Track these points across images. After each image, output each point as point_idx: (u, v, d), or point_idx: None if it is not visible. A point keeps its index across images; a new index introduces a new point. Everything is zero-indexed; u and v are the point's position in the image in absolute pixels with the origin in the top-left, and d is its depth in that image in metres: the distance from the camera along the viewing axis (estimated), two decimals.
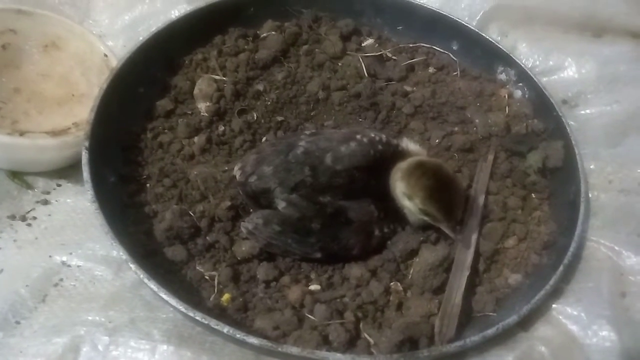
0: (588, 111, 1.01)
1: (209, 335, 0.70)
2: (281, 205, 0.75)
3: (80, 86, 0.93)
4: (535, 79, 0.98)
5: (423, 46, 1.07)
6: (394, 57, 1.04)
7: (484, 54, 1.04)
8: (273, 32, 1.01)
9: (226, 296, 0.72)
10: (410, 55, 1.05)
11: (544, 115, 0.96)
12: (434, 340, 0.71)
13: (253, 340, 0.63)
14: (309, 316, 0.71)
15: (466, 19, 1.08)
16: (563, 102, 1.03)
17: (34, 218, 0.82)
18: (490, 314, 0.75)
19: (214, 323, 0.63)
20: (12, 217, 0.81)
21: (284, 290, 0.74)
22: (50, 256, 0.77)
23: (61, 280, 0.75)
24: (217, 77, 0.95)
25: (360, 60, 1.00)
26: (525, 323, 0.74)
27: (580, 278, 0.79)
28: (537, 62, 1.07)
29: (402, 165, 0.77)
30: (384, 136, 0.81)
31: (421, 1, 1.07)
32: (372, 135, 0.80)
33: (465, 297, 0.74)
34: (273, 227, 0.74)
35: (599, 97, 1.02)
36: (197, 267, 0.75)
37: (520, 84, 1.01)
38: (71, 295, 0.73)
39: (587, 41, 1.09)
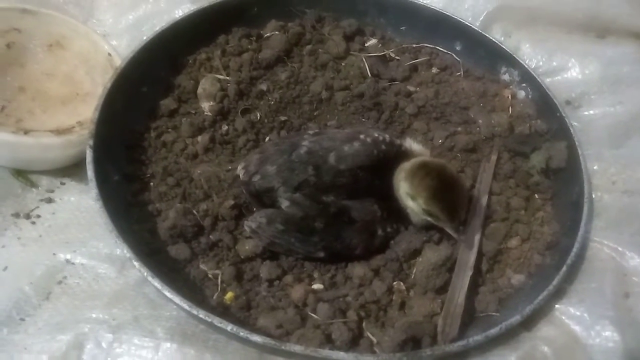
0: (591, 112, 1.01)
1: (212, 333, 0.70)
2: (284, 204, 0.75)
3: (84, 85, 0.93)
4: (538, 79, 0.98)
5: (426, 46, 1.07)
6: (397, 58, 1.04)
7: (488, 55, 1.04)
8: (276, 32, 1.02)
9: (229, 294, 0.72)
10: (414, 56, 1.05)
11: (548, 116, 0.96)
12: (436, 340, 0.71)
13: (256, 338, 0.63)
14: (312, 315, 0.71)
15: (469, 19, 1.08)
16: (566, 102, 1.03)
17: (38, 216, 0.82)
18: (493, 314, 0.75)
19: (217, 321, 0.64)
20: (17, 215, 0.81)
21: (287, 289, 0.75)
22: (54, 254, 0.77)
23: (65, 278, 0.75)
24: (220, 77, 0.95)
25: (364, 60, 1.00)
26: (528, 323, 0.74)
27: (584, 278, 0.79)
28: (541, 63, 1.07)
29: (406, 166, 0.77)
30: (387, 136, 0.81)
31: (425, 1, 1.08)
32: (376, 135, 0.80)
33: (468, 297, 0.74)
34: (276, 226, 0.74)
35: (602, 98, 1.02)
36: (201, 266, 0.75)
37: (524, 85, 1.01)
38: (75, 292, 0.73)
39: (591, 42, 1.09)
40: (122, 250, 0.69)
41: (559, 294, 0.77)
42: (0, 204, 0.81)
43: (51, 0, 1.04)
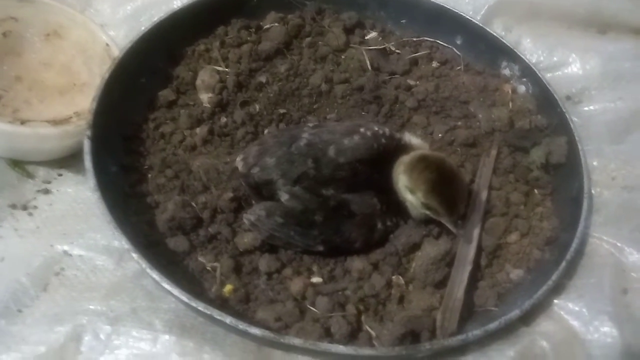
0: (592, 107, 1.01)
1: (211, 325, 0.70)
2: (284, 197, 0.75)
3: (81, 75, 0.92)
4: (539, 74, 0.98)
5: (427, 40, 1.06)
6: (397, 51, 1.04)
7: (488, 49, 1.03)
8: (276, 24, 1.01)
9: (228, 287, 0.72)
10: (414, 49, 1.05)
11: (548, 111, 0.96)
12: (435, 334, 0.71)
13: (256, 331, 0.63)
14: (311, 308, 0.71)
15: (470, 13, 1.08)
16: (567, 98, 1.02)
17: (35, 207, 0.81)
18: (492, 308, 0.75)
19: (216, 313, 0.63)
20: (13, 206, 0.81)
21: (285, 282, 0.74)
22: (51, 245, 0.76)
23: (62, 269, 0.74)
24: (219, 68, 0.94)
25: (364, 53, 1.00)
26: (527, 318, 0.74)
27: (583, 274, 0.79)
28: (542, 58, 1.07)
29: (405, 159, 0.76)
30: (387, 130, 0.81)
31: None
32: (376, 128, 0.80)
33: (467, 292, 0.74)
34: (275, 219, 0.74)
35: (602, 94, 1.02)
36: (199, 258, 0.75)
37: (524, 80, 1.01)
38: (72, 284, 0.73)
39: (592, 37, 1.09)
40: (120, 242, 0.69)
41: (558, 289, 0.77)
42: None
43: None
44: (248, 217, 0.76)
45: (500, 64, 1.03)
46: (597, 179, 0.91)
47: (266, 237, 0.75)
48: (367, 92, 0.95)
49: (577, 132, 0.90)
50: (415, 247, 0.78)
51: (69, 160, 0.86)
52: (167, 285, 0.65)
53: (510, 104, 0.98)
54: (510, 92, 1.00)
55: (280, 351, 0.70)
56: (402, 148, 0.79)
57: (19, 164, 0.84)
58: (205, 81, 0.92)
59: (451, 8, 1.05)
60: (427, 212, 0.76)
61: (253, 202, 0.79)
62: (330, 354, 0.65)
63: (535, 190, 0.89)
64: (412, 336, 0.69)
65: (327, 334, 0.69)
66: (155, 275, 0.66)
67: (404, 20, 1.08)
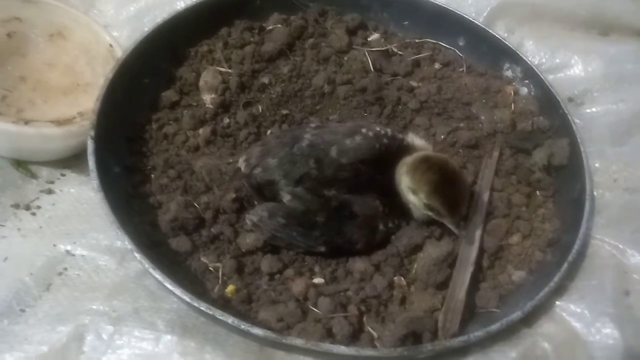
0: (594, 109, 1.01)
1: (213, 325, 0.70)
2: (286, 198, 0.75)
3: (85, 76, 0.93)
4: (541, 76, 0.98)
5: (429, 42, 1.06)
6: (400, 52, 1.04)
7: (491, 51, 1.03)
8: (279, 25, 1.01)
9: (231, 287, 0.72)
10: (417, 51, 1.05)
11: (550, 113, 0.96)
12: (437, 335, 0.71)
13: (258, 331, 0.63)
14: (313, 309, 0.71)
15: (473, 15, 1.08)
16: (569, 100, 1.02)
17: (38, 207, 0.81)
18: (494, 310, 0.75)
19: (218, 314, 0.63)
20: (17, 206, 0.81)
21: (287, 282, 0.74)
22: (54, 245, 0.77)
23: (65, 269, 0.75)
24: (222, 69, 0.94)
25: (366, 54, 1.00)
26: (529, 319, 0.74)
27: (584, 276, 0.79)
28: (544, 60, 1.07)
29: (408, 160, 0.76)
30: (389, 130, 0.81)
31: None
32: (378, 129, 0.80)
33: (469, 293, 0.74)
34: (278, 220, 0.74)
35: (605, 96, 1.01)
36: (202, 259, 0.75)
37: (527, 81, 1.01)
38: (75, 284, 0.73)
39: (594, 39, 1.09)
40: (123, 242, 0.69)
41: (559, 290, 0.77)
42: (0, 194, 0.81)
43: None
44: (250, 217, 0.76)
45: (502, 65, 1.03)
46: (599, 181, 0.91)
47: (268, 238, 0.75)
48: (370, 94, 0.95)
49: (579, 134, 0.90)
50: (417, 248, 0.78)
51: (72, 161, 0.87)
52: (170, 285, 0.65)
53: (513, 106, 0.98)
54: (512, 93, 1.00)
55: (282, 351, 0.70)
56: (404, 149, 0.79)
57: (23, 164, 0.85)
58: (208, 82, 0.92)
59: (454, 10, 1.05)
60: (429, 213, 0.76)
61: (255, 202, 0.79)
62: (332, 354, 0.66)
63: (537, 192, 0.89)
64: (413, 337, 0.69)
65: (329, 335, 0.69)
66: (157, 275, 0.66)
67: (406, 22, 1.08)
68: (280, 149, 0.78)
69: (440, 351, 0.69)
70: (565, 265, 0.76)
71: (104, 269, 0.75)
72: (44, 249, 0.76)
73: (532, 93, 1.00)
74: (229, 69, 0.95)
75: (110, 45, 0.94)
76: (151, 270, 0.66)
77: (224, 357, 0.68)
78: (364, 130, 0.79)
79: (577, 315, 0.75)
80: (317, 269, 0.77)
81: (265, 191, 0.77)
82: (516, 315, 0.71)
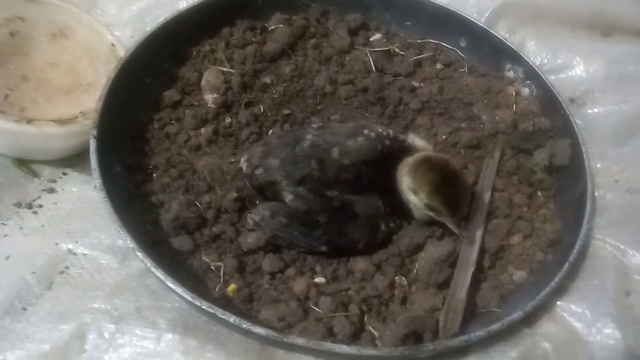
0: (595, 110, 1.01)
1: (214, 324, 0.70)
2: (288, 197, 0.75)
3: (87, 75, 0.93)
4: (543, 76, 0.98)
5: (431, 42, 1.06)
6: (401, 53, 1.04)
7: (492, 51, 1.04)
8: (281, 25, 1.01)
9: (232, 287, 0.72)
10: (418, 51, 1.05)
11: (552, 114, 0.96)
12: (438, 335, 0.71)
13: (259, 330, 0.63)
14: (314, 308, 0.71)
15: (475, 15, 1.08)
16: (570, 100, 1.02)
17: (40, 206, 0.82)
18: (495, 310, 0.75)
19: (220, 312, 0.64)
20: (19, 205, 0.81)
21: (289, 282, 0.75)
22: (56, 244, 0.77)
23: (67, 268, 0.75)
24: (224, 69, 0.94)
25: (368, 54, 1.00)
26: (530, 319, 0.74)
27: (585, 276, 0.79)
28: (545, 60, 1.07)
29: (409, 160, 0.77)
30: (391, 131, 0.81)
31: None
32: (379, 130, 0.80)
33: (470, 293, 0.74)
34: (280, 220, 0.74)
35: (606, 97, 1.02)
36: (203, 258, 0.75)
37: (528, 82, 1.01)
38: (77, 283, 0.73)
39: (596, 40, 1.09)
40: (124, 241, 0.69)
41: (560, 291, 0.77)
42: (3, 193, 0.81)
43: None
44: (252, 217, 0.76)
45: (504, 66, 1.03)
46: (600, 182, 0.91)
47: (270, 237, 0.76)
48: (371, 94, 0.96)
49: (581, 135, 0.90)
50: (419, 248, 0.78)
51: (73, 160, 0.87)
52: (172, 284, 0.65)
53: (514, 106, 0.98)
54: (514, 94, 1.00)
55: (283, 351, 0.70)
56: (406, 150, 0.79)
57: (25, 163, 0.85)
58: (210, 82, 0.93)
59: (455, 10, 1.05)
60: (431, 214, 0.76)
61: (257, 202, 0.79)
62: (333, 353, 0.66)
63: (539, 193, 0.89)
64: (414, 337, 0.70)
65: (330, 334, 0.69)
66: (159, 274, 0.66)
67: (408, 22, 1.08)
68: (282, 150, 0.78)
69: (441, 351, 0.69)
70: (566, 265, 0.76)
71: (106, 268, 0.75)
72: (46, 248, 0.76)
73: (534, 94, 1.00)
74: (231, 68, 0.95)
75: (113, 45, 0.94)
76: (153, 269, 0.66)
77: (225, 356, 0.68)
78: (365, 131, 0.79)
79: (578, 315, 0.75)
80: (318, 268, 0.77)
81: (266, 191, 0.77)
82: (517, 315, 0.71)
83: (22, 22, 0.92)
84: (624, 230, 0.84)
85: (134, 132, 0.87)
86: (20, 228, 0.79)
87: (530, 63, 1.00)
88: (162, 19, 0.94)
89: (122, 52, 0.90)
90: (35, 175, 0.85)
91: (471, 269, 0.76)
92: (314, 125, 0.85)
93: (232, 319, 0.63)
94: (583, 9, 1.09)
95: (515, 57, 1.02)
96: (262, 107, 0.92)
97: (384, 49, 1.03)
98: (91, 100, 0.83)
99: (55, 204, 0.82)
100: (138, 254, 0.68)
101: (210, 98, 0.92)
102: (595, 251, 0.82)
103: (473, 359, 0.71)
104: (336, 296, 0.73)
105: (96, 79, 0.91)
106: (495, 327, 0.69)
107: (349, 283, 0.75)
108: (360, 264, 0.77)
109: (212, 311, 0.64)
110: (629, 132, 0.97)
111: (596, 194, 0.89)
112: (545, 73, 1.00)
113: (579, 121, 0.95)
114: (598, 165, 0.93)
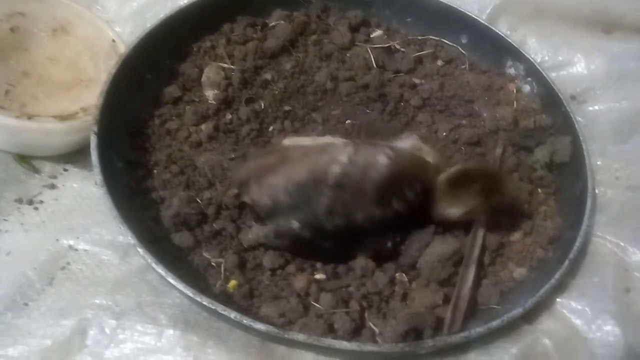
0: (596, 107, 1.01)
1: (215, 320, 0.70)
2: (295, 225, 0.73)
3: (88, 71, 0.93)
4: (544, 74, 0.98)
5: (432, 39, 1.06)
6: (402, 49, 1.04)
7: (493, 48, 1.03)
8: (282, 22, 1.01)
9: (233, 283, 0.72)
10: (419, 48, 1.05)
11: (552, 111, 0.96)
12: (438, 331, 0.71)
13: (260, 326, 0.63)
14: (315, 304, 0.71)
15: (476, 12, 1.08)
16: (571, 97, 1.02)
17: (41, 202, 0.82)
18: (495, 306, 0.75)
19: (221, 308, 0.64)
20: (19, 201, 0.81)
21: (289, 278, 0.75)
22: (57, 240, 0.77)
23: (68, 263, 0.75)
24: (225, 65, 0.94)
25: (369, 51, 1.00)
26: (530, 316, 0.74)
27: (585, 273, 0.79)
28: (547, 57, 1.07)
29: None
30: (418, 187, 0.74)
31: None
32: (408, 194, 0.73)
33: (470, 290, 0.74)
34: (284, 242, 0.74)
35: (607, 94, 1.01)
36: (204, 254, 0.75)
37: (529, 79, 1.01)
38: (78, 278, 0.73)
39: (597, 37, 1.09)
40: (125, 237, 0.69)
41: (560, 287, 0.77)
42: (4, 189, 0.81)
43: None
44: (256, 232, 0.75)
45: (505, 63, 1.03)
46: (601, 179, 0.91)
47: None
48: (372, 90, 0.96)
49: (582, 132, 0.90)
50: (427, 245, 0.78)
51: (74, 156, 0.87)
52: (172, 280, 0.65)
53: (515, 103, 0.98)
54: (514, 91, 1.00)
55: (284, 347, 0.70)
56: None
57: (26, 159, 0.85)
58: (211, 78, 0.92)
59: (457, 7, 1.05)
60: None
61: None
62: (333, 349, 0.66)
63: (539, 190, 0.89)
64: (415, 333, 0.70)
65: (331, 330, 0.69)
66: (160, 270, 0.66)
67: (409, 19, 1.08)
68: (297, 209, 0.71)
69: (441, 347, 0.69)
70: (567, 262, 0.76)
71: (107, 264, 0.75)
72: (47, 244, 0.76)
73: (535, 91, 1.00)
74: (232, 65, 0.95)
75: (113, 41, 0.94)
76: (154, 265, 0.66)
77: (226, 352, 0.68)
78: (395, 203, 0.72)
79: (577, 312, 0.75)
80: (318, 265, 0.77)
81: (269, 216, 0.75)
82: (517, 311, 0.71)
83: (23, 17, 0.92)
84: (624, 228, 0.84)
85: (135, 128, 0.86)
86: (21, 224, 0.79)
87: (531, 60, 1.00)
88: (162, 15, 0.93)
89: (123, 48, 0.90)
90: (36, 171, 0.85)
91: (473, 266, 0.76)
92: (342, 159, 0.72)
93: (233, 315, 0.64)
94: (584, 6, 1.09)
95: (516, 54, 1.02)
96: (262, 104, 0.92)
97: (385, 45, 1.02)
98: (92, 96, 0.83)
99: (56, 199, 0.82)
100: (139, 250, 0.68)
101: (210, 94, 0.92)
102: (596, 248, 0.82)
103: (473, 355, 0.71)
104: (337, 292, 0.73)
105: (97, 75, 0.91)
106: (495, 323, 0.69)
107: (349, 279, 0.75)
108: (360, 260, 0.77)
109: (213, 307, 0.64)
110: (630, 130, 0.97)
111: (597, 191, 0.89)
112: (546, 70, 1.00)
113: (579, 118, 0.95)
114: (599, 163, 0.93)
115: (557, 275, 0.74)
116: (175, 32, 0.94)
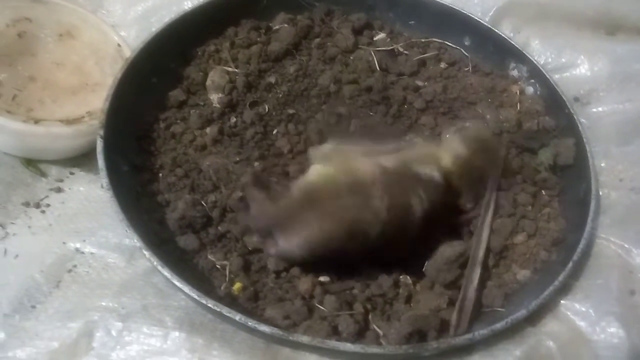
0: (600, 109, 1.01)
1: (220, 323, 0.70)
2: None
3: (93, 75, 0.93)
4: (547, 75, 0.98)
5: (435, 41, 1.06)
6: (405, 52, 1.04)
7: (497, 50, 1.04)
8: (285, 25, 1.02)
9: (237, 285, 0.73)
10: (422, 50, 1.05)
11: (556, 113, 0.96)
12: (442, 334, 0.71)
13: (264, 328, 0.64)
14: (319, 307, 0.72)
15: (479, 14, 1.08)
16: (575, 99, 1.02)
17: (48, 205, 0.83)
18: (499, 309, 0.76)
19: (226, 311, 0.64)
20: (27, 204, 0.82)
21: (294, 280, 0.75)
22: (64, 243, 0.78)
23: (75, 266, 0.75)
24: (229, 69, 0.95)
25: (372, 54, 1.00)
26: (534, 318, 0.74)
27: (589, 275, 0.79)
28: (550, 59, 1.07)
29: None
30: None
31: None
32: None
33: (475, 292, 0.75)
34: (299, 257, 0.74)
35: (611, 95, 1.01)
36: (209, 256, 0.76)
37: (532, 81, 1.01)
38: (85, 281, 0.74)
39: (601, 39, 1.09)
40: (131, 240, 0.70)
41: (564, 289, 0.77)
42: (11, 192, 0.82)
43: None
44: (271, 251, 0.75)
45: (508, 65, 1.03)
46: (604, 181, 0.91)
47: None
48: (376, 93, 0.96)
49: (585, 134, 0.90)
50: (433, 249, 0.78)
51: (80, 160, 0.88)
52: (178, 283, 0.66)
53: (518, 105, 0.98)
54: (518, 93, 1.00)
55: (288, 349, 0.70)
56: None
57: (33, 163, 0.86)
58: (215, 81, 0.93)
59: (460, 9, 1.05)
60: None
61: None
62: (337, 351, 0.66)
63: (543, 192, 0.89)
64: (419, 335, 0.70)
65: (335, 332, 0.69)
66: (166, 272, 0.67)
67: (412, 22, 1.08)
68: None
69: (445, 349, 0.69)
70: (570, 264, 0.76)
71: (113, 267, 0.76)
72: (54, 247, 0.77)
73: (538, 92, 1.00)
74: (236, 68, 0.95)
75: (119, 45, 0.94)
76: (159, 267, 0.67)
77: (231, 354, 0.68)
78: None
79: (582, 314, 0.75)
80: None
81: None
82: (521, 314, 0.71)
83: (30, 22, 0.93)
84: (628, 230, 0.84)
85: (140, 132, 0.87)
86: (29, 227, 0.79)
87: (535, 62, 1.00)
88: (167, 19, 0.94)
89: (128, 52, 0.91)
90: (43, 174, 0.86)
91: (478, 267, 0.77)
92: (378, 207, 0.72)
93: (238, 317, 0.64)
94: (588, 7, 1.09)
95: (519, 56, 1.02)
96: (266, 107, 0.93)
97: (388, 48, 1.03)
98: (98, 100, 0.84)
99: (63, 203, 0.83)
100: (145, 252, 0.68)
101: (215, 98, 0.92)
102: (600, 250, 0.82)
103: (477, 357, 0.71)
104: (341, 295, 0.73)
105: (103, 79, 0.91)
106: (499, 325, 0.69)
107: (353, 282, 0.76)
108: (364, 263, 0.77)
109: (218, 309, 0.64)
110: (634, 131, 0.96)
111: (600, 192, 0.89)
112: (550, 72, 1.00)
113: (583, 120, 0.95)
114: (602, 164, 0.93)
115: (560, 277, 0.75)
116: (180, 36, 0.95)
